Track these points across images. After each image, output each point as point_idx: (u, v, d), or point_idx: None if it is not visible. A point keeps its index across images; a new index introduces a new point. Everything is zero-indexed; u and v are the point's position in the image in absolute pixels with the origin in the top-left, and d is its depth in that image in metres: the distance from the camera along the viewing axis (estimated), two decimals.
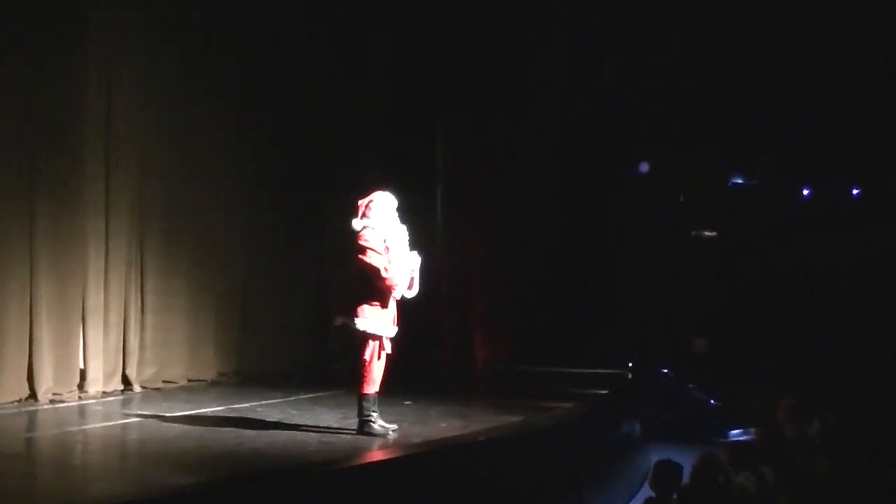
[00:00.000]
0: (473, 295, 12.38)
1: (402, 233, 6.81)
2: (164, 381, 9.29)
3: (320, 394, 8.99)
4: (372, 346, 6.70)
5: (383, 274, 6.62)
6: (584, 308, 13.79)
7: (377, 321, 6.68)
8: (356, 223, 6.73)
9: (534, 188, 13.39)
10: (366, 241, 6.66)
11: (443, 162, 12.42)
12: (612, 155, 14.24)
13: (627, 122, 14.18)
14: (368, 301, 6.67)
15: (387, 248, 6.71)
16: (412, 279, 6.83)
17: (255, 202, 10.44)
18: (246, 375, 10.06)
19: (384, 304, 6.69)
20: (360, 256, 6.66)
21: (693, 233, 14.84)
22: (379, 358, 6.71)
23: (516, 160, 13.07)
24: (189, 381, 9.54)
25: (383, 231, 6.72)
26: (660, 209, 14.57)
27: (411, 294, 6.84)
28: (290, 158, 10.71)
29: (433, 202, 12.28)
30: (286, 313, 10.77)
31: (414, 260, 6.71)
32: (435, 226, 12.05)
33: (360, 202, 6.76)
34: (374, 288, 6.66)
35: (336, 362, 10.61)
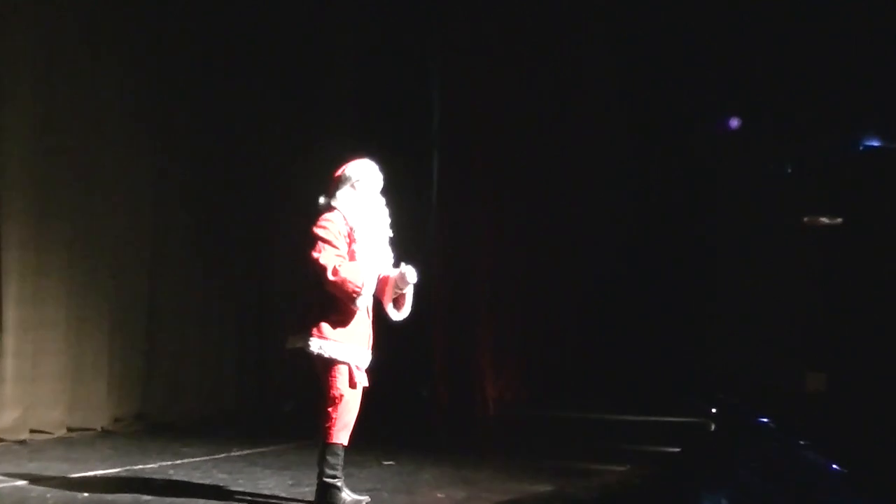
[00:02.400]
0: (482, 309, 12.38)
1: (380, 218, 6.97)
2: (32, 431, 9.35)
3: (260, 449, 9.10)
4: (340, 375, 6.83)
5: (330, 276, 6.72)
6: (644, 329, 13.82)
7: (341, 342, 6.82)
8: (320, 201, 6.95)
9: (572, 158, 13.40)
10: (321, 227, 6.82)
11: (439, 121, 12.45)
12: (688, 107, 14.22)
13: (710, 60, 14.20)
14: (328, 314, 6.80)
15: (352, 238, 6.85)
16: (403, 296, 7.01)
17: (168, 176, 10.43)
18: (152, 422, 10.13)
19: (348, 319, 6.82)
20: (308, 250, 6.81)
21: (806, 219, 14.81)
22: (353, 389, 6.87)
23: (548, 119, 13.04)
24: (70, 430, 9.62)
25: (351, 215, 6.85)
26: (757, 185, 14.56)
27: (400, 316, 7.06)
28: (223, 118, 10.75)
29: (425, 177, 12.32)
30: (210, 334, 10.77)
31: (407, 275, 6.92)
32: (427, 210, 12.14)
33: (335, 169, 7.02)
34: (330, 296, 6.78)
35: (284, 404, 10.65)
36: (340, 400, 6.82)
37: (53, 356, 9.56)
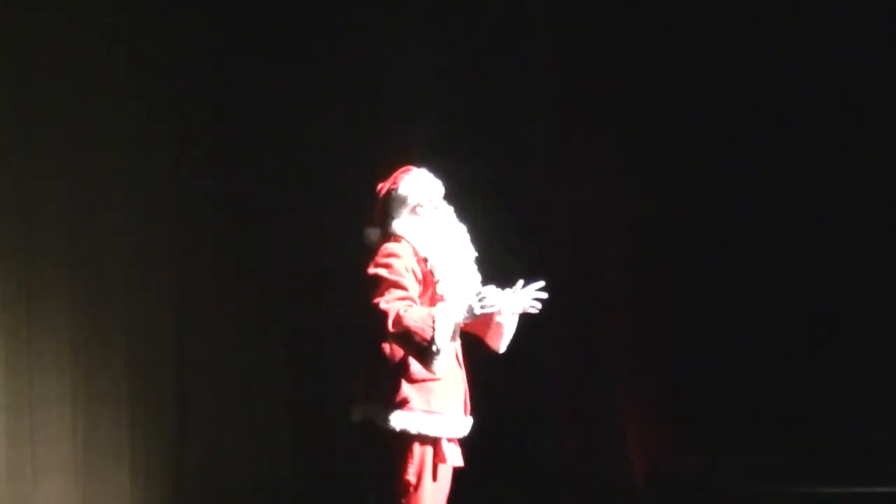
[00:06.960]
0: (618, 340, 12.10)
1: (459, 241, 6.54)
2: None
3: None
4: (419, 455, 6.35)
5: (389, 326, 6.21)
6: (843, 349, 13.17)
7: (425, 411, 6.34)
8: (369, 234, 6.57)
9: (723, 127, 12.86)
10: (383, 266, 6.36)
11: (546, 92, 12.23)
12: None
13: None
14: (408, 373, 6.35)
15: (430, 273, 6.38)
16: (500, 327, 6.51)
17: (194, 186, 10.17)
18: None
19: (435, 377, 6.34)
20: (370, 295, 6.31)
21: None
22: (435, 478, 6.37)
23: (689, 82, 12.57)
24: None
25: (422, 245, 6.43)
26: None
27: (501, 348, 6.66)
28: (255, 120, 10.51)
29: (528, 166, 12.09)
30: (257, 400, 10.70)
31: (507, 301, 6.41)
32: (537, 203, 11.97)
33: (378, 190, 6.64)
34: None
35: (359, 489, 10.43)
36: (418, 488, 6.31)
37: (57, 444, 9.30)
